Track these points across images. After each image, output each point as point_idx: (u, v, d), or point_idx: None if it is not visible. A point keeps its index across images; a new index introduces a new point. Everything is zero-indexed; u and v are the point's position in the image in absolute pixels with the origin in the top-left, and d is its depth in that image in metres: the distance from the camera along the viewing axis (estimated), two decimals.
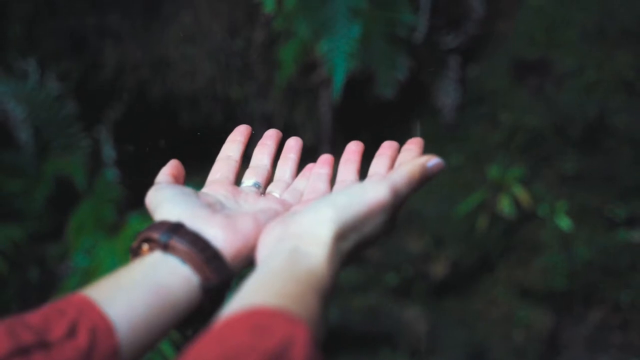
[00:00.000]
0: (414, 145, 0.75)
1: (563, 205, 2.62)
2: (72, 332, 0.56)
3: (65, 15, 2.61)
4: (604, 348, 2.61)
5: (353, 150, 0.79)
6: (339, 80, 2.31)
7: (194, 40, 2.69)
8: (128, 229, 2.39)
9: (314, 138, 2.70)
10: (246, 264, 0.66)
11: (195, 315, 0.64)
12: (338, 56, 2.32)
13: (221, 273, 0.63)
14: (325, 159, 0.80)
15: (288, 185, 0.80)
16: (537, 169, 2.67)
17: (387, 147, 0.77)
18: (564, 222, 2.60)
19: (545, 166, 2.68)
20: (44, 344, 0.54)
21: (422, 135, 0.75)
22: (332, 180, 0.78)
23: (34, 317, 0.56)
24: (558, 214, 2.61)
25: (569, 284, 2.60)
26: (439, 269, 2.72)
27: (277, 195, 0.78)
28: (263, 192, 0.78)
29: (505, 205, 2.61)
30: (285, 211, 0.72)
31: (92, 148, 2.64)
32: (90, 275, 2.29)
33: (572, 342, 2.63)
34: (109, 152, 2.66)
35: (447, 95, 2.79)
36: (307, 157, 0.84)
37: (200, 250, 0.63)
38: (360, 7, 2.34)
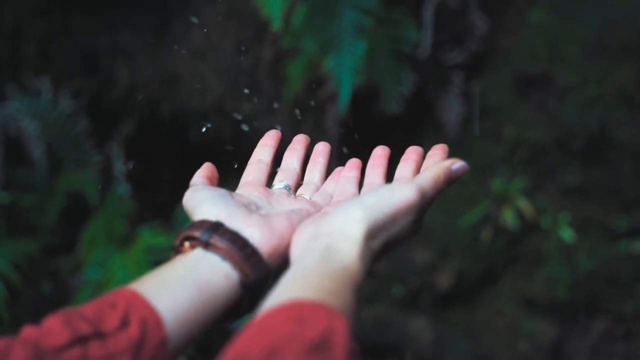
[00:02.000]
0: (439, 150, 0.78)
1: (566, 217, 2.65)
2: (124, 323, 0.59)
3: (78, 35, 2.66)
4: (608, 358, 2.63)
5: (379, 154, 0.82)
6: (345, 95, 2.35)
7: (203, 57, 2.74)
8: (139, 242, 2.42)
9: None
10: (281, 261, 0.69)
11: (234, 310, 0.67)
12: (344, 72, 2.35)
13: (259, 270, 0.67)
14: (354, 163, 0.83)
15: (317, 188, 0.83)
16: (540, 182, 2.70)
17: (412, 152, 0.80)
18: (567, 234, 2.63)
19: (548, 179, 2.71)
20: (99, 334, 0.57)
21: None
22: (360, 184, 0.81)
23: (88, 309, 0.59)
24: (561, 225, 2.64)
25: (573, 294, 2.63)
26: (444, 280, 2.75)
27: (307, 197, 0.81)
28: (293, 194, 0.81)
29: (509, 217, 2.64)
30: (316, 212, 0.75)
31: (104, 164, 2.68)
32: (103, 287, 2.32)
33: (576, 352, 2.65)
34: (120, 167, 2.70)
35: (451, 110, 2.83)
36: None
37: (239, 248, 0.66)
38: (366, 25, 2.38)
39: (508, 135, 2.75)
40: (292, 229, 0.70)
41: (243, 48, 2.73)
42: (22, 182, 2.61)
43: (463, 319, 2.74)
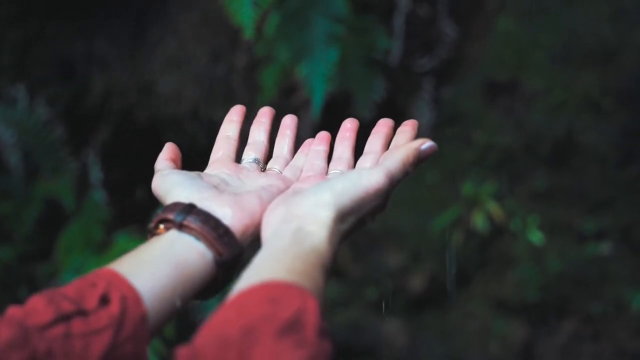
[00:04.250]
0: (408, 127, 0.78)
1: (535, 220, 2.69)
2: (105, 301, 0.61)
3: (54, 42, 2.68)
4: (577, 358, 2.67)
5: (348, 127, 0.83)
6: (318, 102, 2.38)
7: (178, 65, 2.76)
8: (116, 248, 2.43)
9: None
10: (252, 238, 0.72)
11: (209, 287, 0.70)
12: (317, 79, 2.37)
13: (232, 248, 0.69)
14: (323, 136, 0.84)
15: (287, 161, 0.84)
16: (509, 186, 2.75)
17: (382, 125, 0.80)
18: (536, 236, 2.67)
19: (517, 183, 2.76)
20: (81, 312, 0.60)
21: None
22: (330, 157, 0.82)
23: (69, 289, 0.62)
24: (530, 228, 2.69)
25: (542, 296, 2.67)
26: (417, 283, 2.78)
27: (277, 170, 0.82)
28: (263, 168, 0.83)
29: (479, 221, 2.68)
30: (286, 187, 0.77)
31: (80, 171, 2.69)
32: None
33: (546, 353, 2.68)
34: (96, 174, 2.71)
35: (422, 116, 2.87)
36: None
37: (212, 228, 0.69)
38: (338, 33, 2.42)
39: (477, 140, 2.80)
40: (263, 207, 0.72)
41: (217, 55, 2.77)
42: None
43: (436, 322, 2.77)
